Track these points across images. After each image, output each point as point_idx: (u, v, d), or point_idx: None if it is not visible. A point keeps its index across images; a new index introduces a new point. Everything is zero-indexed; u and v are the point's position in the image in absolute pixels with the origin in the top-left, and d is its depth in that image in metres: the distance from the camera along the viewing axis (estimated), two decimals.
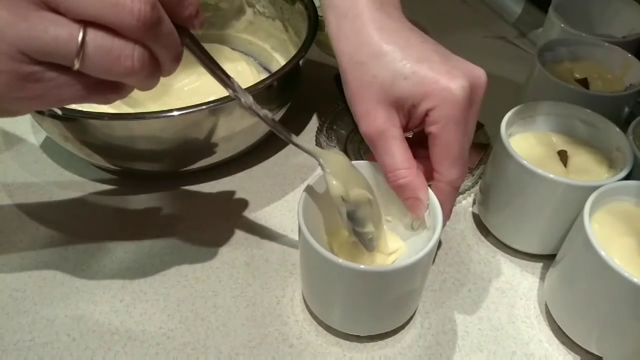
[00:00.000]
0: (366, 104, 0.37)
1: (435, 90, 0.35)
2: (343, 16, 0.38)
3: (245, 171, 0.52)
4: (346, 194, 0.35)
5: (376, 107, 0.36)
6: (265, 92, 0.47)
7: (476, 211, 0.47)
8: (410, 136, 0.39)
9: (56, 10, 0.24)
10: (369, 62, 0.36)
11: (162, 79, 0.28)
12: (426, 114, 0.36)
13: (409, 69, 0.35)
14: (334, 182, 0.35)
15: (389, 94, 0.36)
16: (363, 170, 0.39)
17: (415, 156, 0.37)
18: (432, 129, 0.36)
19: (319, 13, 0.54)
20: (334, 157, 0.36)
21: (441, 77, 0.35)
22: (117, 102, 0.55)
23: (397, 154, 0.36)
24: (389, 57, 0.36)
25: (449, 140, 0.36)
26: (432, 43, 0.37)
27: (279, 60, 0.60)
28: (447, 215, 0.38)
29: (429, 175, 0.38)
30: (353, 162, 0.39)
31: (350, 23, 0.38)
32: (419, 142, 0.38)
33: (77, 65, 0.25)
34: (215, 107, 0.44)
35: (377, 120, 0.36)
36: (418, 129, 0.38)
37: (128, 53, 0.25)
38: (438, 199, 0.36)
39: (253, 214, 0.48)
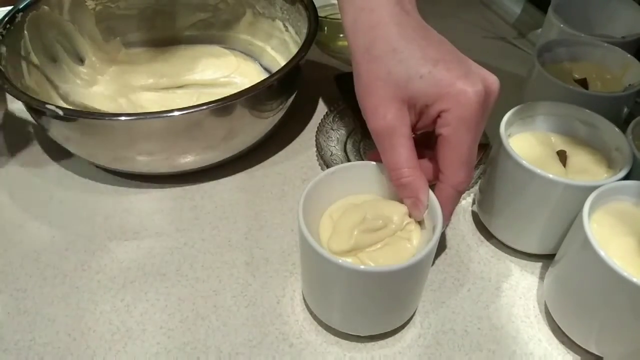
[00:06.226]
0: (377, 98, 0.36)
1: (451, 92, 0.34)
2: (360, 9, 0.37)
3: (245, 171, 0.52)
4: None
5: (387, 103, 0.36)
6: (265, 92, 0.47)
7: (476, 211, 0.48)
8: (414, 136, 0.39)
9: None
10: (384, 57, 0.36)
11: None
12: (439, 115, 0.35)
13: (426, 68, 0.35)
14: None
15: (403, 91, 0.35)
16: (363, 170, 0.39)
17: (418, 156, 0.37)
18: (443, 130, 0.35)
19: (319, 13, 0.54)
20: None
21: (458, 79, 0.34)
22: (118, 102, 0.56)
23: (403, 152, 0.36)
24: (406, 54, 0.35)
25: (459, 144, 0.35)
26: (449, 45, 0.37)
27: (279, 61, 0.60)
28: (447, 218, 0.37)
29: (430, 176, 0.38)
30: (353, 162, 0.39)
31: (368, 16, 0.37)
32: (422, 142, 0.38)
33: None
34: (215, 107, 0.44)
35: (387, 116, 0.36)
36: (427, 129, 0.38)
37: None
38: (440, 201, 0.36)
39: (253, 214, 0.48)
